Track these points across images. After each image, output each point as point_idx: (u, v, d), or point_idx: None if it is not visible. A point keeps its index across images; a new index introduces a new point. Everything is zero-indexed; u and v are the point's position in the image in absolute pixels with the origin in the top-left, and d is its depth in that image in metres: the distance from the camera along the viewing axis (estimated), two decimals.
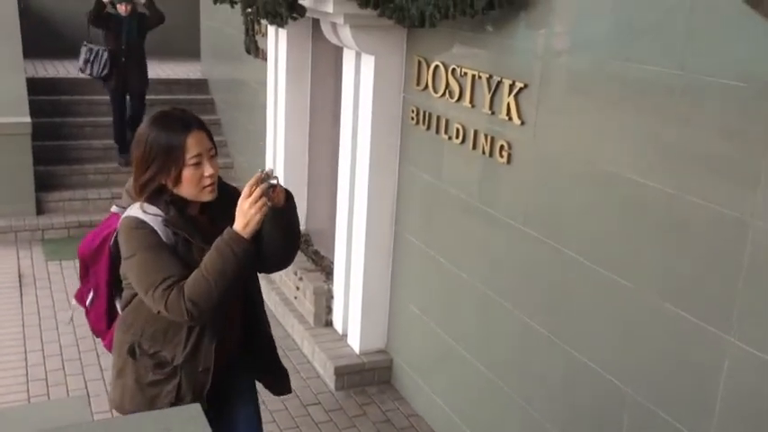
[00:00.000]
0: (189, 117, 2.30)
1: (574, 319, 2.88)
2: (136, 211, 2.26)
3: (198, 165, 2.24)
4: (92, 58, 7.01)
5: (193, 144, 2.22)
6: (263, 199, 2.16)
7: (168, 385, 2.39)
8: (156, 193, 2.26)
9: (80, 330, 4.74)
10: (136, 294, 2.35)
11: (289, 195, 2.29)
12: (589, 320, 2.80)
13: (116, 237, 2.38)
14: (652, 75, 2.44)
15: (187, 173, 2.24)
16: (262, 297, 2.60)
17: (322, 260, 5.04)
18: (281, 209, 2.24)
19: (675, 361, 2.45)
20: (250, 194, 2.16)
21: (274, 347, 2.66)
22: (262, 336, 2.60)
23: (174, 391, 2.38)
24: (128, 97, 7.27)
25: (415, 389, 4.11)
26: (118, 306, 2.54)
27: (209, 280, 2.17)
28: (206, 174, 2.25)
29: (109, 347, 2.61)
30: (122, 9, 6.98)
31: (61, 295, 5.32)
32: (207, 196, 2.29)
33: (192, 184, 2.25)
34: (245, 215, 2.16)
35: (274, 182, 2.19)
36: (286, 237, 2.35)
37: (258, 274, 2.51)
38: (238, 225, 2.18)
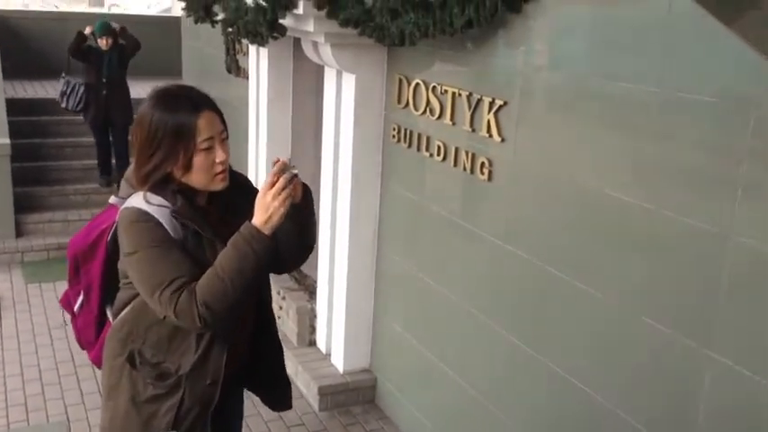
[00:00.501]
0: (198, 96, 2.06)
1: (557, 335, 2.88)
2: (138, 201, 2.01)
3: (209, 149, 2.01)
4: (68, 91, 6.96)
5: (205, 126, 1.99)
6: (287, 190, 1.93)
7: (170, 400, 2.13)
8: (161, 182, 2.03)
9: (60, 354, 4.69)
10: (135, 296, 2.11)
11: (306, 189, 2.08)
12: (572, 337, 2.80)
13: (114, 231, 2.13)
14: (629, 92, 2.46)
15: (198, 159, 2.00)
16: (271, 299, 2.38)
17: (305, 279, 5.02)
18: (298, 204, 2.02)
19: (657, 376, 2.44)
20: (272, 185, 1.92)
21: (282, 356, 2.43)
22: (272, 342, 2.38)
23: (176, 407, 2.13)
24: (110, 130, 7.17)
25: (400, 408, 4.09)
26: (109, 313, 2.27)
27: (224, 280, 1.92)
28: (218, 159, 2.02)
29: (96, 361, 2.34)
30: (103, 43, 6.93)
31: (41, 318, 5.25)
32: (218, 185, 2.06)
33: (203, 172, 2.02)
34: (267, 208, 1.91)
35: (296, 171, 1.96)
36: (302, 234, 2.13)
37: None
38: (259, 220, 1.93)
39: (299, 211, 2.04)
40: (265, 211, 1.92)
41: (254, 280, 1.98)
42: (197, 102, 2.02)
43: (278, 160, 1.98)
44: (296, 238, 2.11)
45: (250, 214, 1.96)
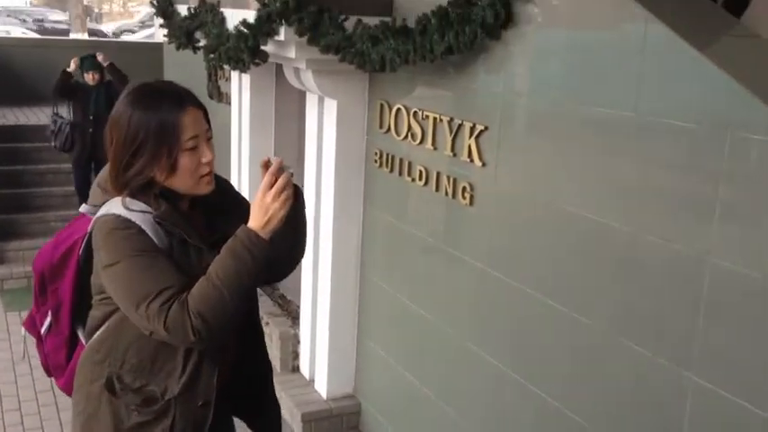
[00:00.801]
0: (181, 91, 1.89)
1: (540, 359, 2.88)
2: (117, 208, 1.83)
3: (194, 149, 1.84)
4: (56, 130, 6.78)
5: (190, 123, 1.83)
6: (288, 191, 1.79)
7: (158, 426, 1.94)
8: (142, 187, 1.86)
9: (39, 383, 4.62)
10: (111, 313, 1.92)
11: (298, 191, 1.93)
12: (555, 360, 2.80)
13: (87, 243, 1.93)
14: (607, 116, 2.49)
15: (183, 160, 1.83)
16: (259, 309, 2.22)
17: (288, 304, 5.00)
18: (292, 206, 1.86)
19: (640, 400, 2.45)
20: (271, 185, 1.79)
21: (272, 373, 2.27)
22: (262, 356, 2.22)
23: None
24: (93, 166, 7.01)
25: None
26: (80, 335, 2.07)
27: (220, 289, 1.75)
28: (204, 160, 1.86)
29: (66, 388, 2.13)
30: (90, 78, 6.78)
31: (20, 347, 5.14)
32: (204, 188, 1.90)
33: (188, 174, 1.85)
34: (267, 210, 1.78)
35: (291, 171, 1.84)
36: (295, 239, 2.02)
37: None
38: (257, 223, 1.78)
39: (293, 215, 1.90)
40: (264, 214, 1.79)
41: (251, 289, 1.85)
42: (180, 97, 1.86)
43: (268, 160, 1.84)
44: (290, 242, 1.99)
45: (235, 219, 1.86)
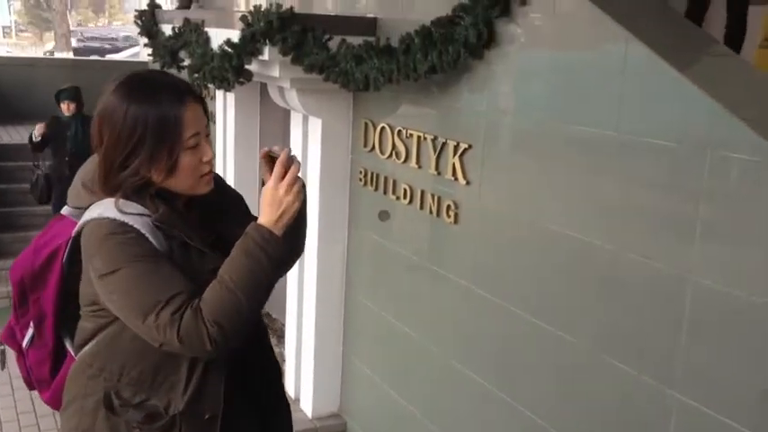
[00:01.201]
0: (181, 83, 1.74)
1: (524, 377, 2.88)
2: (109, 210, 1.68)
3: (196, 147, 1.70)
4: (35, 182, 6.38)
5: (192, 119, 1.68)
6: (300, 182, 1.68)
7: None
8: (137, 188, 1.70)
9: (21, 404, 4.56)
10: (106, 325, 1.78)
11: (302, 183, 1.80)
12: (540, 378, 2.80)
13: (71, 247, 1.80)
14: (589, 136, 2.50)
15: (184, 159, 1.68)
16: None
17: (273, 323, 4.98)
18: None
19: (624, 418, 2.45)
20: (282, 177, 1.66)
21: (280, 374, 2.15)
22: (269, 359, 2.07)
23: None
24: None
25: None
26: (68, 346, 1.92)
27: (235, 292, 1.61)
28: (205, 158, 1.72)
29: (53, 402, 2.00)
30: (65, 108, 6.17)
31: None
32: (204, 187, 1.76)
33: (189, 173, 1.71)
34: (280, 204, 1.66)
35: (299, 160, 1.72)
36: (297, 234, 1.87)
37: None
38: (268, 218, 1.66)
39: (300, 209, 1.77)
40: (278, 208, 1.66)
41: (268, 290, 1.69)
42: (180, 90, 1.70)
43: (269, 150, 1.72)
44: (295, 239, 1.85)
45: (236, 217, 1.79)
